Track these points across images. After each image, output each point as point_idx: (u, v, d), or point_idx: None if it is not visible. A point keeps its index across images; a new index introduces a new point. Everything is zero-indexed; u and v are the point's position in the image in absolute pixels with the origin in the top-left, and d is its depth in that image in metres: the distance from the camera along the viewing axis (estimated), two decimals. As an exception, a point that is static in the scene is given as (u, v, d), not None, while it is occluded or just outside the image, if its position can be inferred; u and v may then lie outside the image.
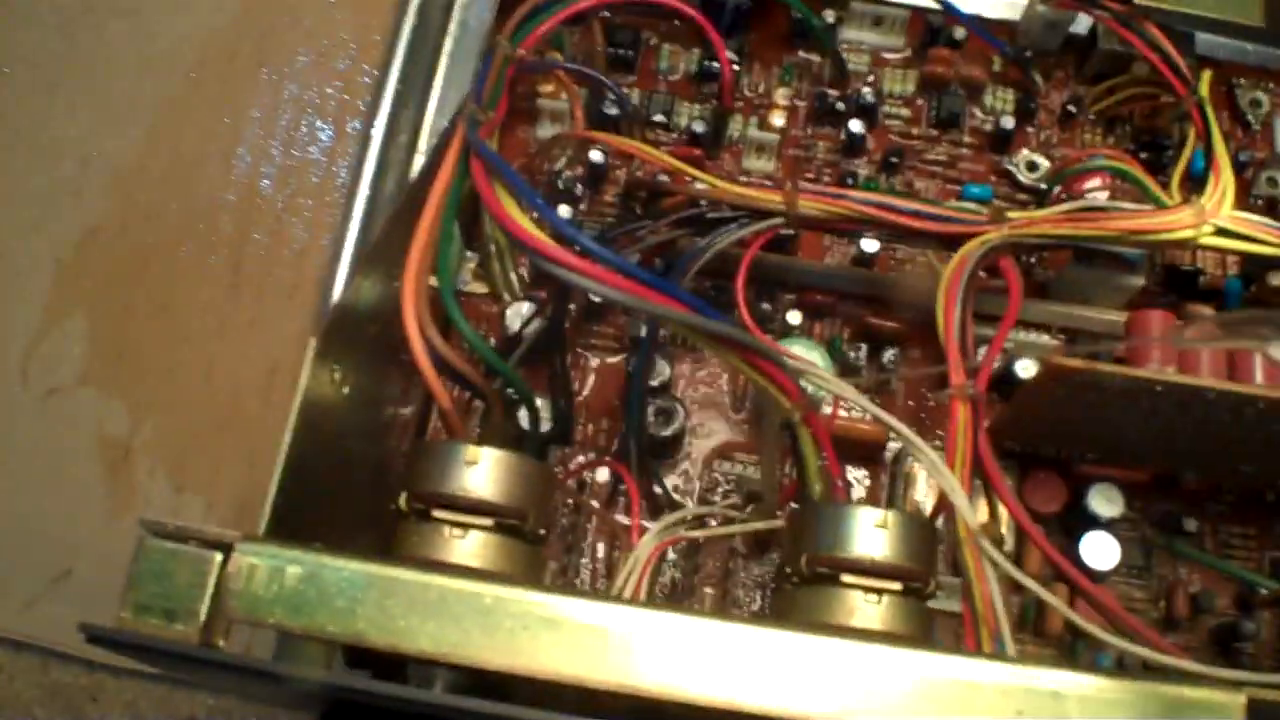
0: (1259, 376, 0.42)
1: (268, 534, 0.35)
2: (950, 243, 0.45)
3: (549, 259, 0.37)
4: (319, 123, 0.57)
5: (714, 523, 0.45)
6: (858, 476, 0.48)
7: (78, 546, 0.53)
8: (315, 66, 0.58)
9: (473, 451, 0.36)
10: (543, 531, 0.37)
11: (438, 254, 0.40)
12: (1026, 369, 0.47)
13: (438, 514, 0.36)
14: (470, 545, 0.36)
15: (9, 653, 0.53)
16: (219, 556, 0.33)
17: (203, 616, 0.32)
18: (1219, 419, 0.43)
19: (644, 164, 0.51)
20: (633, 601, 0.38)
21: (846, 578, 0.36)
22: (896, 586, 0.36)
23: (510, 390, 0.46)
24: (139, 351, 0.55)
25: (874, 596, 0.36)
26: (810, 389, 0.40)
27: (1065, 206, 0.46)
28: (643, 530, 0.42)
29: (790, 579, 0.37)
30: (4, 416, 0.54)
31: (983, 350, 0.45)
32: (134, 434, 0.54)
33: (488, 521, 0.36)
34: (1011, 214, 0.45)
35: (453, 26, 0.56)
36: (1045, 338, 0.49)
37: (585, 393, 0.49)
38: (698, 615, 0.31)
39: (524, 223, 0.38)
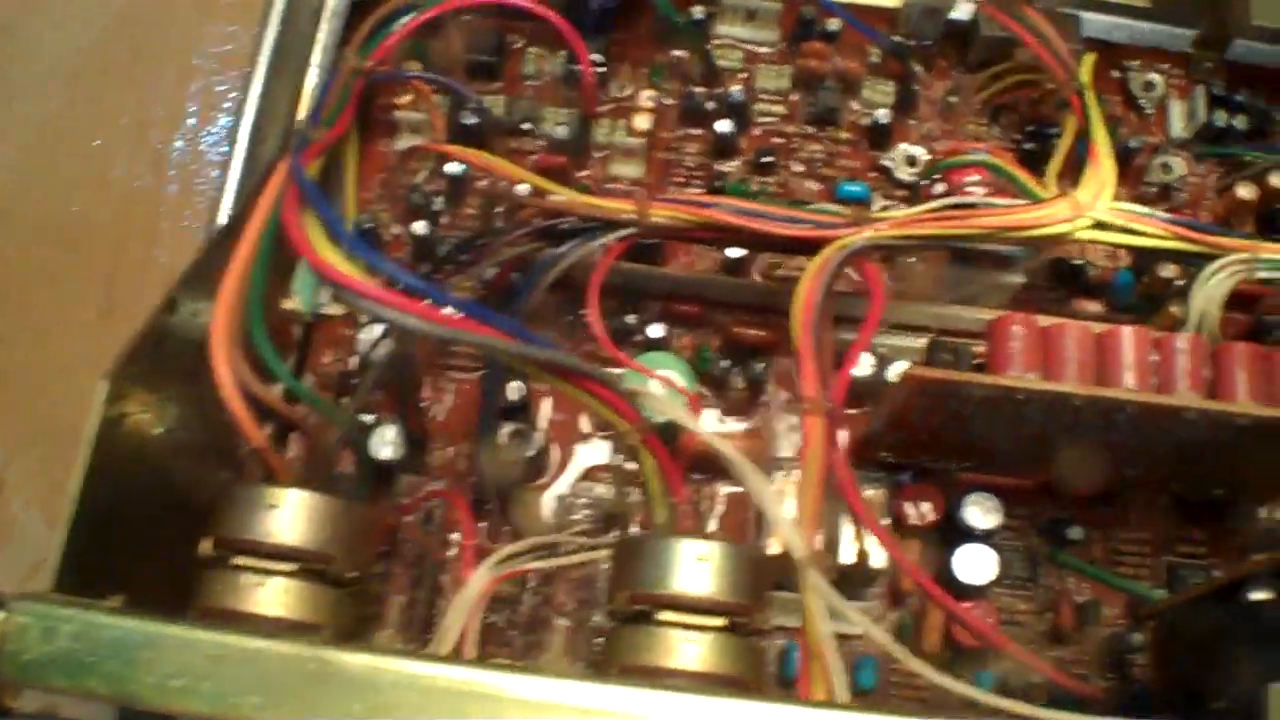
0: (1128, 380, 0.40)
1: (59, 589, 0.34)
2: (813, 249, 0.43)
3: (350, 291, 0.36)
4: (186, 139, 0.56)
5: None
6: (735, 495, 0.46)
7: (-43, 584, 0.52)
8: (182, 80, 0.57)
9: (273, 494, 0.35)
10: (353, 574, 0.36)
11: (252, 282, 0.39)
12: (899, 375, 0.45)
13: (237, 560, 0.34)
14: (271, 593, 0.34)
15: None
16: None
17: (-17, 678, 0.31)
18: (1091, 424, 0.41)
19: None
20: (418, 655, 0.36)
21: (664, 615, 0.34)
22: (719, 623, 0.34)
23: (366, 417, 0.45)
24: (13, 383, 0.54)
25: (693, 634, 0.34)
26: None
27: (931, 205, 0.44)
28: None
29: (614, 616, 0.36)
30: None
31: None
32: (6, 467, 0.53)
33: (290, 567, 0.34)
34: (875, 215, 0.43)
35: (321, 36, 0.54)
36: (923, 342, 0.47)
37: (444, 415, 0.47)
38: (473, 666, 0.30)
39: (325, 252, 0.36)
